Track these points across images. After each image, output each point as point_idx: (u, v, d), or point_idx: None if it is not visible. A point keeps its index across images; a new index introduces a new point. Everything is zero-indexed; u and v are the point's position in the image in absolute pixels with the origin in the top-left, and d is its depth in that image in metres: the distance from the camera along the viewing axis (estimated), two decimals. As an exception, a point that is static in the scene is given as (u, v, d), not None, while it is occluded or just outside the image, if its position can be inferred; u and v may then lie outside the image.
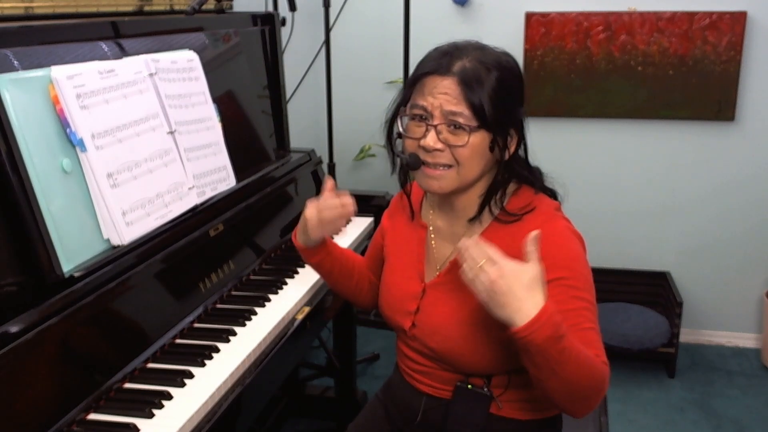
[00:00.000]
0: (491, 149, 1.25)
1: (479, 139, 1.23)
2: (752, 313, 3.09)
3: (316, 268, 1.54)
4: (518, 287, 1.08)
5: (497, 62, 1.25)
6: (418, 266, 1.40)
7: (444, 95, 1.23)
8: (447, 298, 1.33)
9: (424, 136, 1.25)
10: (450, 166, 1.25)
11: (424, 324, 1.35)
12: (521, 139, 1.30)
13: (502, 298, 1.08)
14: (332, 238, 1.55)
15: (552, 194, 1.37)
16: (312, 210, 1.43)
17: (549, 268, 1.22)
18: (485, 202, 1.30)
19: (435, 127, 1.24)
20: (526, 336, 1.07)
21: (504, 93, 1.24)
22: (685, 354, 3.02)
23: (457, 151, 1.24)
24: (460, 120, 1.22)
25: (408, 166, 1.30)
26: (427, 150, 1.25)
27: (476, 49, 1.27)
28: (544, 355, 1.09)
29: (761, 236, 2.99)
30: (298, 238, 1.50)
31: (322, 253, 1.50)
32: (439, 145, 1.24)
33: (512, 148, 1.28)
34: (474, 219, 1.32)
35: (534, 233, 1.13)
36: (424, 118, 1.25)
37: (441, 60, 1.25)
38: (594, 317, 1.25)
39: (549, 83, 2.96)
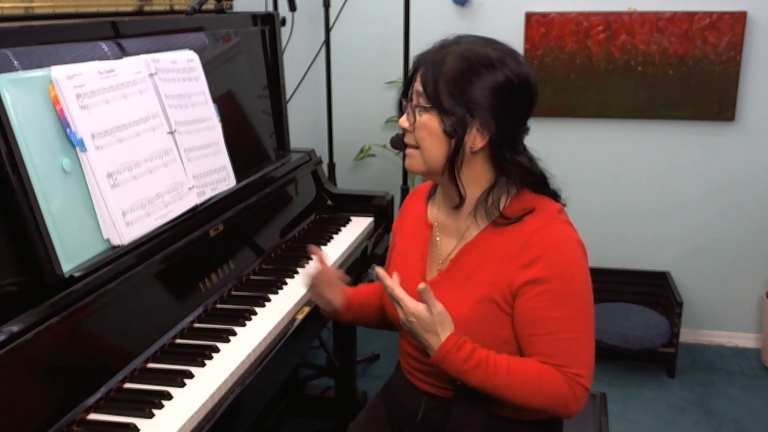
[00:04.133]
0: (447, 134, 1.27)
1: (427, 118, 1.28)
2: (752, 313, 3.09)
3: (355, 323, 1.65)
4: (421, 331, 1.28)
5: (473, 54, 1.26)
6: (421, 264, 1.41)
7: (419, 78, 1.30)
8: (447, 296, 1.33)
9: None
10: (416, 148, 1.33)
11: (425, 322, 1.35)
12: (497, 138, 1.27)
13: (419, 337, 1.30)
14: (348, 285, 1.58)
15: (555, 196, 1.37)
16: (311, 292, 1.55)
17: (540, 269, 1.24)
18: (480, 203, 1.33)
19: (408, 106, 1.32)
20: (439, 365, 1.28)
21: (465, 81, 1.25)
22: (685, 354, 3.02)
23: (417, 131, 1.31)
24: (421, 100, 1.29)
25: (393, 146, 1.41)
26: (403, 130, 1.35)
27: (471, 42, 1.30)
28: (470, 378, 1.26)
29: (761, 236, 2.99)
30: (325, 310, 1.57)
31: (351, 311, 1.55)
32: (406, 124, 1.33)
33: (478, 143, 1.28)
34: (459, 206, 1.34)
35: (421, 286, 1.26)
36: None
37: (431, 49, 1.33)
38: (581, 326, 1.26)
39: (549, 83, 2.95)
